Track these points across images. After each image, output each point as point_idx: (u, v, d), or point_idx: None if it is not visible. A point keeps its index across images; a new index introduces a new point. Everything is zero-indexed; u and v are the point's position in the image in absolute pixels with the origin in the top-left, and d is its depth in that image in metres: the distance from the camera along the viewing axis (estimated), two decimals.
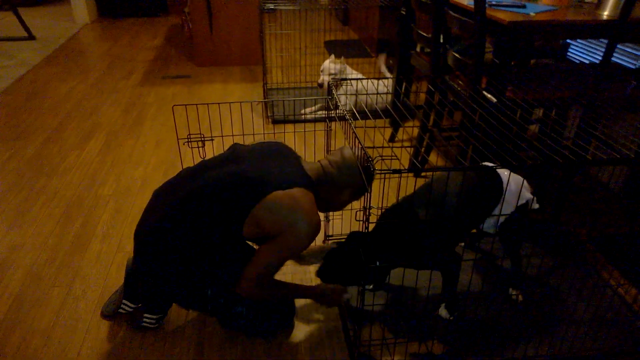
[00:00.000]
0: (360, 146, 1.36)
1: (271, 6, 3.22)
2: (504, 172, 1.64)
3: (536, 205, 1.68)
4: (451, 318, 1.68)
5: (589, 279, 1.88)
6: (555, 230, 2.15)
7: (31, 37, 5.13)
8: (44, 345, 1.59)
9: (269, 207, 1.38)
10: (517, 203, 1.61)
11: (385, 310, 1.73)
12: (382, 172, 1.18)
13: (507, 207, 1.61)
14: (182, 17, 5.48)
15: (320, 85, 3.33)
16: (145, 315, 1.62)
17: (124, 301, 1.65)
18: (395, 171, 1.20)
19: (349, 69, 3.38)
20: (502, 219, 1.63)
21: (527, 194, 1.63)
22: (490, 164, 1.58)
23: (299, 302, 1.77)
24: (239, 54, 4.45)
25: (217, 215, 1.41)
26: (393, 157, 1.34)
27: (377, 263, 1.59)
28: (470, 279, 1.86)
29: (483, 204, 1.60)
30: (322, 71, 3.35)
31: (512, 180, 1.61)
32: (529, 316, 1.71)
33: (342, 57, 3.36)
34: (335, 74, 3.29)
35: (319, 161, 1.59)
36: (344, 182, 1.53)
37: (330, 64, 3.31)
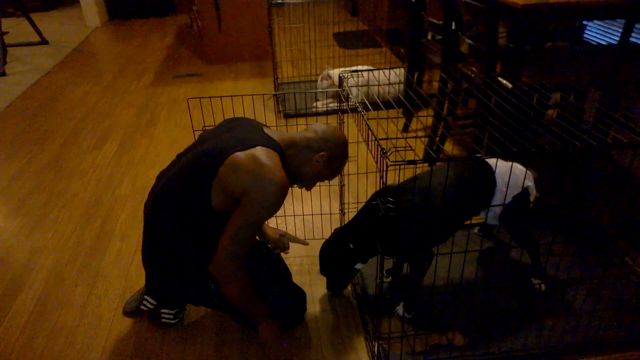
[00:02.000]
0: (373, 138, 1.35)
1: (279, 0, 3.21)
2: (502, 163, 1.61)
3: (536, 194, 1.65)
4: (408, 317, 1.64)
5: (612, 265, 1.85)
6: (577, 217, 2.12)
7: (44, 42, 5.19)
8: (69, 344, 1.62)
9: (230, 168, 1.32)
10: (506, 192, 1.57)
11: (403, 302, 1.72)
12: (397, 163, 1.17)
13: (502, 196, 1.57)
14: (191, 16, 5.49)
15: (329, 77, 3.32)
16: (163, 311, 1.64)
17: (145, 297, 1.67)
18: (410, 162, 1.19)
19: (331, 70, 3.32)
20: (498, 209, 1.59)
21: (526, 182, 1.59)
22: (480, 155, 1.56)
23: (318, 295, 1.77)
24: (249, 50, 4.45)
25: (188, 198, 1.38)
26: (407, 148, 1.32)
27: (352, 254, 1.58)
28: (476, 269, 1.84)
29: (472, 197, 1.56)
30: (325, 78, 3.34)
31: (512, 169, 1.58)
32: (551, 305, 1.68)
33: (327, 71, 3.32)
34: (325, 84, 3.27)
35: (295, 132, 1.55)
36: (320, 145, 1.47)
37: (322, 82, 3.29)
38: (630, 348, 1.53)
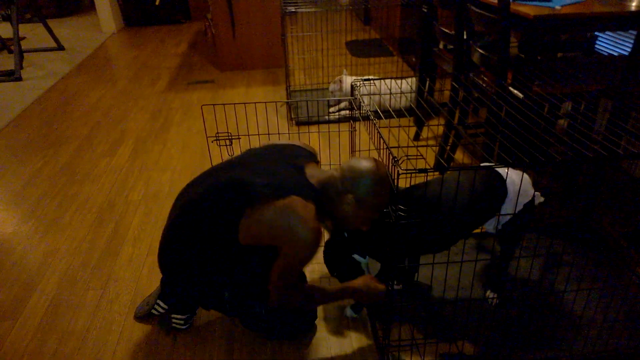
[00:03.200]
0: (385, 146, 1.36)
1: (292, 9, 3.24)
2: (512, 171, 1.60)
3: (541, 199, 1.64)
4: (355, 316, 1.68)
5: (623, 275, 1.83)
6: (587, 227, 2.11)
7: (60, 48, 5.28)
8: (80, 347, 1.64)
9: (257, 220, 1.33)
10: (517, 201, 1.56)
11: (414, 310, 1.72)
12: (408, 171, 1.18)
13: (510, 206, 1.56)
14: (205, 23, 5.56)
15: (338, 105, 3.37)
16: (174, 316, 1.65)
17: (158, 301, 1.67)
18: (421, 170, 1.20)
19: (346, 77, 3.35)
20: (504, 218, 1.58)
21: (530, 190, 1.59)
22: (490, 164, 1.55)
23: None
24: (262, 58, 4.49)
25: (211, 223, 1.40)
26: (418, 156, 1.33)
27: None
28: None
29: (483, 205, 1.55)
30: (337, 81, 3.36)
31: (515, 179, 1.57)
32: (561, 315, 1.67)
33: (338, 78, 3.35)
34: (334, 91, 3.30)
35: (331, 170, 1.48)
36: (345, 187, 1.39)
37: (333, 85, 3.32)
38: None
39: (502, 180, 1.57)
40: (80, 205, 2.44)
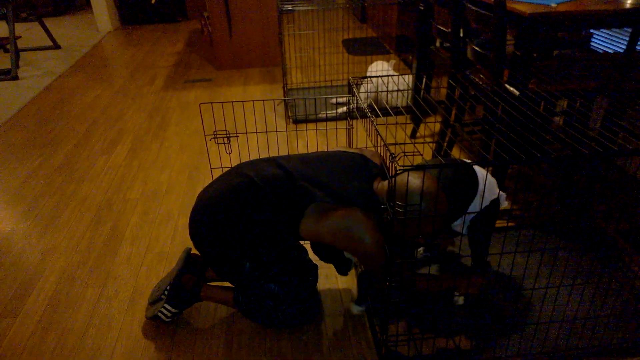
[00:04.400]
0: (382, 143, 1.37)
1: (289, 7, 3.24)
2: (477, 168, 1.58)
3: (505, 203, 1.63)
4: (362, 308, 1.68)
5: (618, 271, 1.85)
6: (583, 223, 2.12)
7: (57, 47, 5.27)
8: (79, 345, 1.64)
9: (323, 223, 1.42)
10: (482, 197, 1.55)
11: (411, 305, 1.73)
12: (406, 168, 1.19)
13: (475, 205, 1.56)
14: (202, 22, 5.56)
15: (339, 103, 3.39)
16: (165, 305, 1.66)
17: (165, 305, 1.67)
18: (418, 167, 1.21)
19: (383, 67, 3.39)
20: (469, 217, 1.58)
21: (495, 189, 1.58)
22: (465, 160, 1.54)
23: (325, 296, 1.79)
24: (259, 56, 4.49)
25: (275, 208, 1.46)
26: (416, 153, 1.34)
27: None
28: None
29: (459, 201, 1.54)
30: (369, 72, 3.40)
31: (481, 176, 1.56)
32: (557, 310, 1.69)
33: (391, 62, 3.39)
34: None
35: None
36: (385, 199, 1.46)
37: (376, 66, 3.36)
38: (636, 354, 1.53)
39: (473, 176, 1.56)
40: (78, 204, 2.44)
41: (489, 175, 1.59)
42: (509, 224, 2.15)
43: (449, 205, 1.48)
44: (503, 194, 1.61)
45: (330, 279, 1.89)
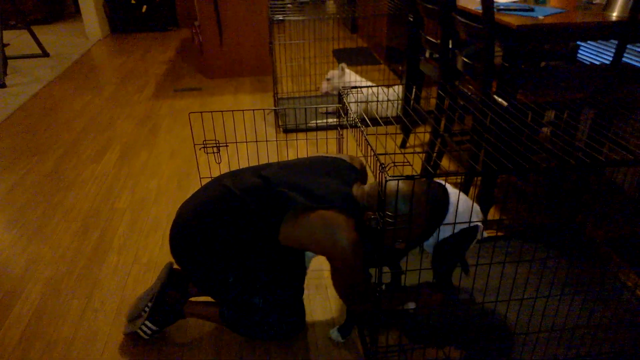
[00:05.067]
0: (372, 153, 1.37)
1: (280, 17, 3.26)
2: (451, 190, 1.55)
3: (484, 234, 1.60)
4: (342, 340, 1.65)
5: (606, 280, 1.86)
6: (571, 233, 2.14)
7: (45, 55, 5.24)
8: (65, 356, 1.61)
9: (298, 225, 1.39)
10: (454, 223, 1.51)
11: (401, 315, 1.73)
12: (395, 177, 1.19)
13: (446, 231, 1.52)
14: (193, 30, 5.56)
15: (329, 113, 3.40)
16: (146, 322, 1.63)
17: (146, 322, 1.64)
18: (408, 177, 1.21)
19: (349, 73, 3.41)
20: (442, 235, 1.53)
21: (475, 217, 1.53)
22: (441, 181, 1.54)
23: (312, 308, 1.78)
24: (249, 65, 4.50)
25: (252, 218, 1.44)
26: (405, 163, 1.34)
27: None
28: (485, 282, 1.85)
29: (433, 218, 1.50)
30: (330, 79, 3.41)
31: (461, 202, 1.52)
32: (545, 319, 1.69)
33: (342, 64, 3.41)
34: (330, 79, 3.36)
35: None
36: (368, 203, 1.44)
37: (333, 72, 3.37)
38: None
39: (445, 195, 1.53)
40: (65, 213, 2.41)
41: (466, 202, 1.55)
42: (498, 234, 2.16)
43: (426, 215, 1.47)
44: (481, 226, 1.56)
45: (320, 290, 1.88)
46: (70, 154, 3.02)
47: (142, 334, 1.64)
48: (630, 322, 1.68)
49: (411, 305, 1.64)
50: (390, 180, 1.18)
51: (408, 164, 1.33)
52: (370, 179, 1.46)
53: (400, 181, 1.40)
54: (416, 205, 1.38)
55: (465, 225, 1.52)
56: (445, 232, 1.53)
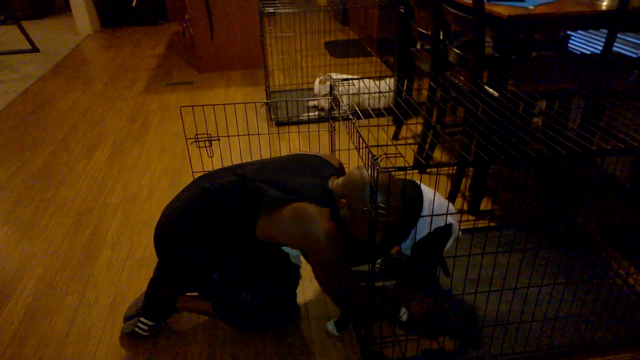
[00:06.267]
0: (364, 145, 1.37)
1: (270, 10, 3.24)
2: (426, 189, 1.56)
3: (459, 234, 1.60)
4: (337, 334, 1.65)
5: (598, 268, 1.88)
6: (563, 222, 2.15)
7: (35, 50, 5.18)
8: (59, 353, 1.61)
9: (273, 220, 1.39)
10: (431, 222, 1.53)
11: (395, 307, 1.73)
12: (387, 169, 1.19)
13: (423, 229, 1.52)
14: (183, 24, 5.52)
15: (322, 109, 3.36)
16: (141, 319, 1.63)
17: (141, 319, 1.64)
18: (400, 168, 1.21)
19: (336, 76, 3.36)
20: (418, 236, 1.54)
21: (450, 219, 1.54)
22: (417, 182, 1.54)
23: (307, 300, 1.79)
24: (241, 59, 4.47)
25: (230, 215, 1.45)
26: (397, 155, 1.34)
27: None
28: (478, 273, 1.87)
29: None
30: (316, 94, 3.35)
31: (436, 199, 1.52)
32: (539, 308, 1.71)
33: (328, 75, 3.35)
34: (327, 95, 3.30)
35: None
36: (343, 192, 1.44)
37: (320, 87, 3.31)
38: (618, 349, 1.56)
39: (418, 190, 1.54)
40: (57, 210, 2.40)
41: (440, 199, 1.56)
42: (490, 224, 2.17)
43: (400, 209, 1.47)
44: (455, 225, 1.57)
45: (314, 282, 1.88)
46: (61, 150, 3.00)
47: (140, 331, 1.64)
48: (622, 308, 1.69)
49: (404, 315, 1.65)
50: (382, 171, 1.18)
51: (400, 155, 1.33)
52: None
53: (364, 169, 1.41)
54: (392, 198, 1.39)
55: (442, 223, 1.53)
56: (422, 231, 1.54)
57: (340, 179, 1.48)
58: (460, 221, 1.58)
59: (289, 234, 1.39)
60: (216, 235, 1.47)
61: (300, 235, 1.37)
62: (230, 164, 1.63)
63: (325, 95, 3.28)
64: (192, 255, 1.50)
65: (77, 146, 3.05)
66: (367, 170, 1.40)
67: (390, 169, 1.20)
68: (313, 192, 1.43)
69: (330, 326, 1.66)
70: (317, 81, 3.31)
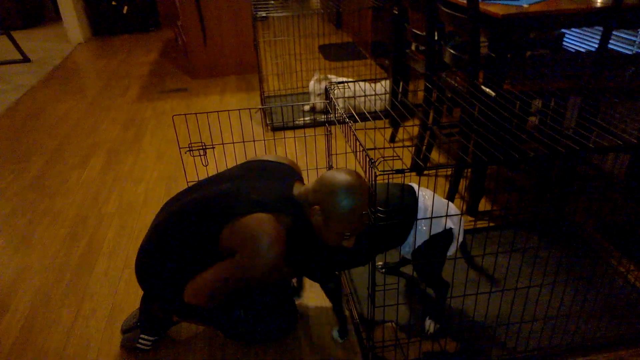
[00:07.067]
0: (361, 148, 1.35)
1: (263, 14, 3.22)
2: (427, 192, 1.53)
3: (460, 239, 1.56)
4: (341, 341, 1.63)
5: (598, 267, 1.87)
6: (562, 221, 2.14)
7: (26, 60, 5.15)
8: None
9: (232, 232, 1.35)
10: (430, 228, 1.50)
11: (396, 310, 1.72)
12: (385, 172, 1.18)
13: (421, 235, 1.50)
14: (175, 31, 5.50)
15: (313, 110, 3.35)
16: (142, 336, 1.61)
17: (141, 335, 1.62)
18: (398, 171, 1.20)
19: (335, 79, 3.36)
20: (417, 242, 1.51)
21: (449, 224, 1.51)
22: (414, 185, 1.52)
23: (308, 305, 1.77)
24: (234, 64, 4.46)
25: (195, 234, 1.40)
26: (395, 157, 1.33)
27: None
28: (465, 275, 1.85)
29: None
30: (310, 93, 3.34)
31: (427, 203, 1.49)
32: (540, 308, 1.70)
33: (324, 74, 3.34)
34: (321, 94, 3.29)
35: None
36: (315, 198, 1.37)
37: (315, 84, 3.30)
38: (618, 347, 1.55)
39: (413, 197, 1.51)
40: (52, 221, 2.37)
41: (439, 205, 1.52)
42: (490, 224, 2.16)
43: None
44: (456, 230, 1.53)
45: (314, 287, 1.87)
46: (55, 160, 2.97)
47: (142, 347, 1.62)
48: (622, 307, 1.68)
49: (430, 327, 1.62)
50: (380, 174, 1.17)
51: (398, 158, 1.32)
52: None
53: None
54: (357, 197, 1.33)
55: (441, 229, 1.51)
56: (421, 237, 1.51)
57: (310, 185, 1.42)
58: (460, 223, 1.55)
59: (239, 239, 1.34)
60: (191, 257, 1.42)
61: (245, 241, 1.32)
62: (175, 195, 1.60)
63: (319, 95, 3.27)
64: (170, 282, 1.46)
65: (71, 156, 3.03)
66: (365, 175, 1.38)
67: (388, 172, 1.18)
68: (280, 202, 1.39)
69: (335, 334, 1.64)
70: (312, 81, 3.31)
